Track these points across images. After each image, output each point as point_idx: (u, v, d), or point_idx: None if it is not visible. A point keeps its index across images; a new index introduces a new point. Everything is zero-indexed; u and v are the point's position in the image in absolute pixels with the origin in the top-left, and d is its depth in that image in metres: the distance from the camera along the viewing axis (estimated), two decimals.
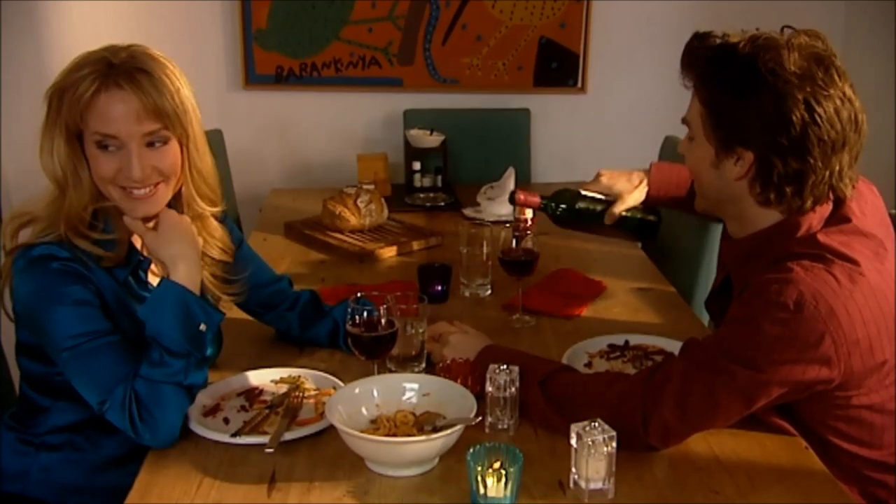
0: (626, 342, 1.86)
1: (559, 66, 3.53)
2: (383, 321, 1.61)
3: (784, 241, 1.47)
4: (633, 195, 1.92)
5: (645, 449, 1.47)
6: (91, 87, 1.44)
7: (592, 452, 1.32)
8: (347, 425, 1.41)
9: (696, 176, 1.57)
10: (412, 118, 3.43)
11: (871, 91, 3.29)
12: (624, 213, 1.91)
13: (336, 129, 3.56)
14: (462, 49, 3.47)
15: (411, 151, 3.25)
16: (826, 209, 1.48)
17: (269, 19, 3.38)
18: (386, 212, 2.73)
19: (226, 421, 1.55)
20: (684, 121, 1.56)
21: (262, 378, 1.70)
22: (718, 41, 1.46)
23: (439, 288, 2.15)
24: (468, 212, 2.84)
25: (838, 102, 1.40)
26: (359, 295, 1.68)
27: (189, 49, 3.31)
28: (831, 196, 1.47)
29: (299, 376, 1.70)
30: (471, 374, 1.61)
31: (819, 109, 1.38)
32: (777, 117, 1.38)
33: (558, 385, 1.55)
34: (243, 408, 1.59)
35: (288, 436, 1.49)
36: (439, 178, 3.23)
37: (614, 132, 3.66)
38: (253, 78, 3.45)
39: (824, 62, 1.41)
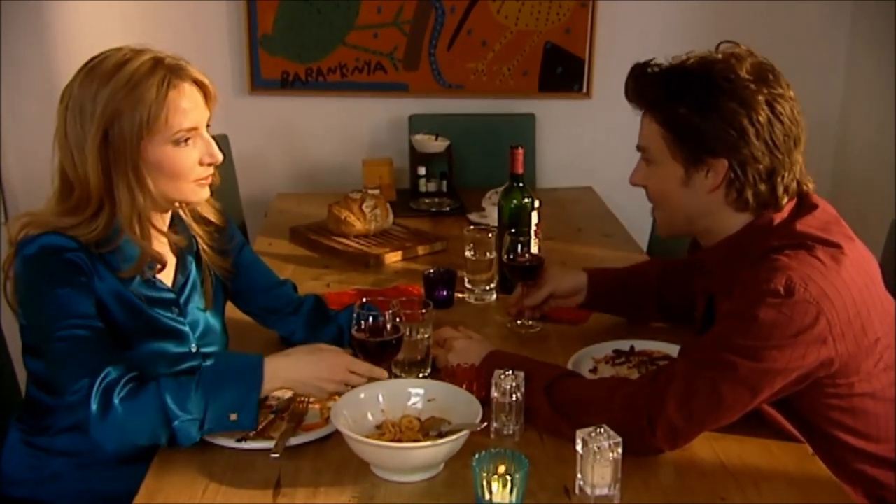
0: (632, 348, 1.86)
1: (564, 72, 3.53)
2: (388, 326, 1.61)
3: (761, 238, 1.51)
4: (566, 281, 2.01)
5: (652, 453, 1.47)
6: (161, 89, 1.47)
7: (598, 458, 1.31)
8: (353, 430, 1.41)
9: (663, 200, 1.61)
10: (417, 123, 3.43)
11: (876, 90, 3.31)
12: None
13: (341, 133, 3.56)
14: (467, 54, 3.47)
15: (416, 156, 3.25)
16: (792, 202, 1.54)
17: (275, 24, 3.38)
18: (391, 217, 2.73)
19: None
20: (640, 148, 1.61)
21: None
22: (663, 66, 1.54)
23: (444, 293, 2.14)
24: (473, 217, 2.84)
25: (791, 102, 1.49)
26: (364, 300, 1.68)
27: (195, 54, 3.27)
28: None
29: None
30: (476, 380, 1.61)
31: (778, 108, 1.47)
32: (744, 120, 1.46)
33: (563, 390, 1.55)
34: None
35: (293, 441, 1.49)
36: (444, 182, 3.24)
37: (619, 137, 3.62)
38: (259, 83, 3.46)
39: (767, 68, 1.50)
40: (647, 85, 1.55)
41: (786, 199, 1.51)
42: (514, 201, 2.20)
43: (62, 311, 1.46)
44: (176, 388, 1.44)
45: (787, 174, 1.49)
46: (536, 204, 2.24)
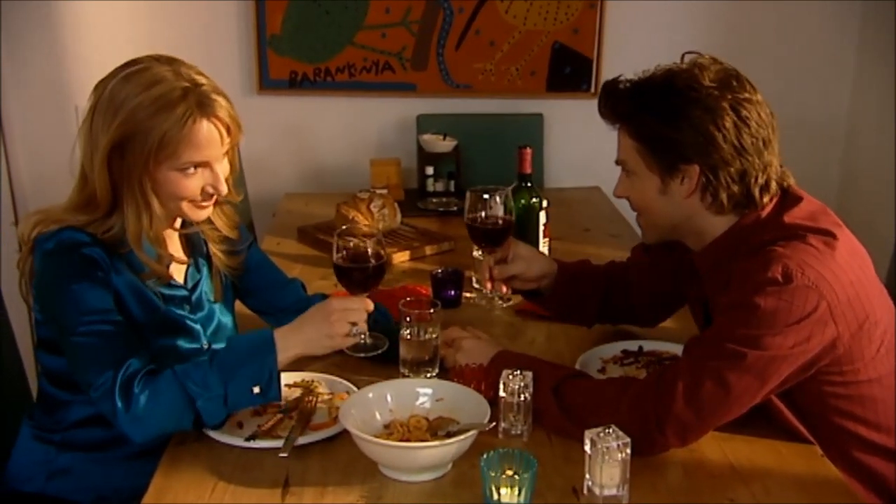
0: (640, 348, 1.86)
1: (572, 71, 3.53)
2: (370, 252, 1.60)
3: (751, 235, 1.54)
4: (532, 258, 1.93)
5: (661, 451, 1.47)
6: (181, 121, 1.46)
7: (606, 459, 1.31)
8: (361, 430, 1.41)
9: (646, 210, 1.65)
10: (425, 123, 3.43)
11: (885, 91, 3.29)
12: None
13: (349, 133, 3.56)
14: (475, 54, 3.47)
15: (424, 156, 3.25)
16: (776, 198, 1.56)
17: (284, 24, 3.39)
18: (399, 216, 2.73)
19: (239, 425, 1.55)
20: (618, 162, 1.65)
21: None
22: (632, 81, 1.59)
23: (452, 293, 2.15)
24: None
25: (757, 105, 1.52)
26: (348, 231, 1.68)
27: (203, 54, 3.29)
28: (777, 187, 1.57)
29: (313, 380, 1.70)
30: (484, 380, 1.61)
31: (744, 112, 1.49)
32: (710, 126, 1.49)
33: (571, 391, 1.55)
34: (257, 412, 1.59)
35: (301, 440, 1.49)
36: (452, 182, 3.23)
37: None
38: (267, 83, 3.46)
39: (732, 73, 1.54)
40: (617, 100, 1.60)
41: (766, 198, 1.54)
42: (522, 201, 2.20)
43: (82, 307, 1.47)
44: (192, 369, 1.47)
45: (759, 175, 1.52)
46: (544, 204, 2.24)
